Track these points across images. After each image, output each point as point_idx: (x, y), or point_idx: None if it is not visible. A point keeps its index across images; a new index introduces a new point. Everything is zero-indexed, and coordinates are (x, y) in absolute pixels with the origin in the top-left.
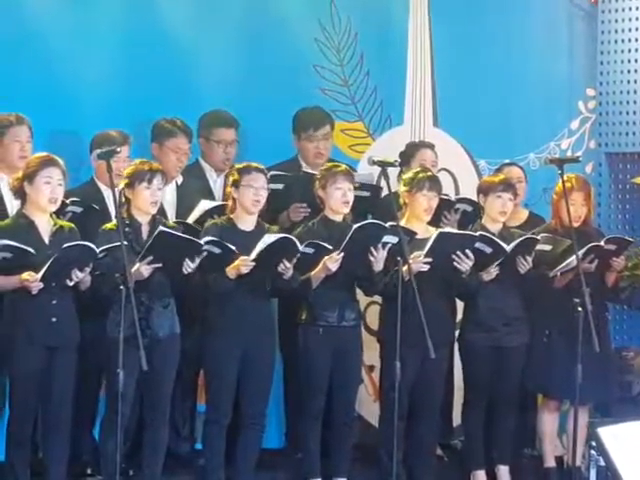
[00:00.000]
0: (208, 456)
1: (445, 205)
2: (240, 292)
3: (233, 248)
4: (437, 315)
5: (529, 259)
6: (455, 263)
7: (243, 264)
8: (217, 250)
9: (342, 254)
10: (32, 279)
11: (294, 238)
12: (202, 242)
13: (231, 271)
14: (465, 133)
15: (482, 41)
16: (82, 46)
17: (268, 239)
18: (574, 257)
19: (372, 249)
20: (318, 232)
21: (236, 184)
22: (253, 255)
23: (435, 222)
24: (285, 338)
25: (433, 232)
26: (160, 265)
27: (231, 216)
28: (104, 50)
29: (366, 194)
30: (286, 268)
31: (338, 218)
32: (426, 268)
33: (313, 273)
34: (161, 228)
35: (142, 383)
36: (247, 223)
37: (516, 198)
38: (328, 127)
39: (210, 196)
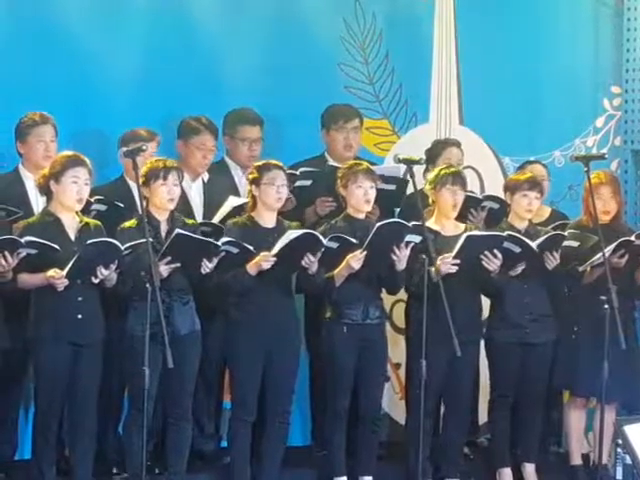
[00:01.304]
0: (233, 454)
1: (472, 202)
2: (264, 289)
3: (250, 248)
4: (464, 313)
5: (556, 255)
6: (483, 263)
7: (264, 259)
8: (235, 250)
9: (365, 252)
10: (58, 276)
11: (317, 233)
12: (219, 243)
13: (252, 267)
14: (490, 131)
15: (507, 39)
16: (109, 44)
17: (291, 234)
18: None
19: (395, 248)
20: (341, 230)
21: (256, 182)
22: (275, 250)
23: (462, 219)
24: (311, 335)
25: (462, 229)
26: (179, 265)
27: (252, 214)
28: (131, 48)
29: (392, 187)
30: (310, 262)
31: (360, 216)
32: (454, 270)
33: (337, 271)
34: (178, 230)
35: (164, 381)
36: (268, 220)
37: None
38: (357, 121)
39: (236, 193)
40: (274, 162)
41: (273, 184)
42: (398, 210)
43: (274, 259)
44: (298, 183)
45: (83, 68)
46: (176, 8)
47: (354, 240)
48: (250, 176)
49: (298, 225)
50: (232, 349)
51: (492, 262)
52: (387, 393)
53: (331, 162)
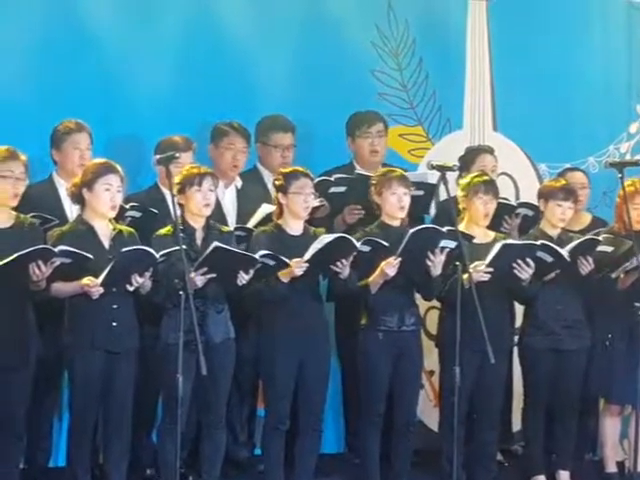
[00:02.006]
0: (267, 461)
1: (506, 210)
2: (295, 296)
3: (287, 261)
4: (496, 320)
5: (590, 260)
6: (516, 271)
7: (297, 265)
8: (272, 262)
9: (400, 259)
10: (92, 284)
11: (350, 237)
12: (257, 256)
13: (285, 274)
14: (525, 137)
15: (541, 44)
16: (142, 52)
17: (324, 239)
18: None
19: (429, 254)
20: (375, 237)
21: (283, 190)
22: (307, 256)
23: (495, 227)
24: (342, 342)
25: (491, 237)
26: (214, 275)
27: (279, 221)
28: (164, 56)
29: (420, 193)
30: (342, 266)
31: (395, 223)
32: (487, 278)
33: (372, 278)
34: (216, 244)
35: (198, 388)
36: (295, 228)
37: (578, 204)
38: (381, 125)
39: (268, 200)
40: (301, 169)
41: (301, 193)
42: (432, 216)
43: (307, 265)
44: (332, 190)
45: (116, 75)
46: (208, 15)
47: (386, 243)
48: (277, 182)
49: (324, 232)
50: (265, 357)
51: (524, 271)
52: (421, 400)
53: (359, 170)
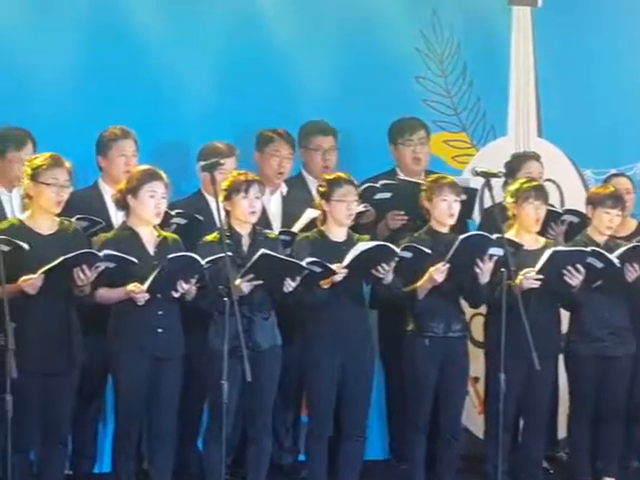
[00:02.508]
0: (310, 468)
1: (551, 216)
2: (338, 302)
3: (333, 267)
4: (544, 326)
5: (637, 267)
6: (566, 277)
7: (337, 271)
8: (318, 269)
9: (448, 265)
10: (138, 290)
11: (390, 245)
12: (303, 263)
13: (326, 281)
14: (570, 143)
15: (586, 49)
16: (185, 58)
17: (361, 246)
18: None
19: (478, 261)
20: (423, 243)
21: (326, 196)
22: (346, 261)
23: (541, 233)
24: (387, 348)
25: (542, 243)
26: (261, 282)
27: (322, 228)
28: (207, 62)
29: (462, 197)
30: (385, 271)
31: (444, 229)
32: (537, 285)
33: (419, 284)
34: (263, 250)
35: (244, 395)
36: (338, 234)
37: (625, 210)
38: (423, 132)
39: (313, 206)
40: (345, 176)
41: (344, 201)
42: (476, 223)
43: (346, 271)
44: (378, 196)
45: (160, 82)
46: (251, 22)
47: (428, 250)
48: (320, 189)
49: (368, 239)
50: (308, 363)
51: (575, 277)
52: (466, 407)
53: (401, 177)
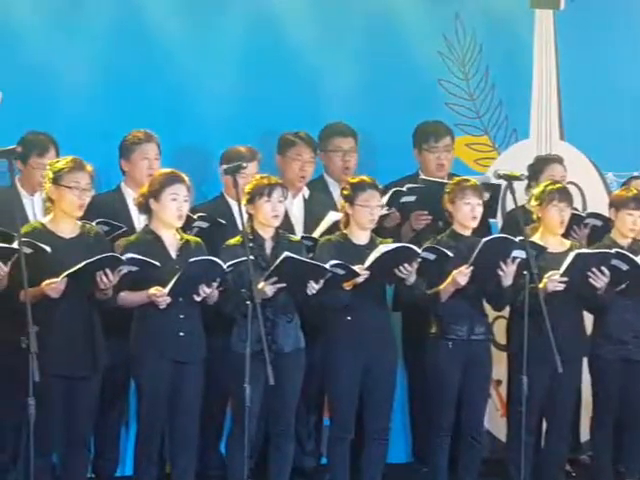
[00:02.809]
0: (333, 471)
1: (574, 220)
2: (360, 305)
3: (357, 270)
4: (567, 329)
5: None
6: (590, 280)
7: (359, 273)
8: (342, 272)
9: (471, 268)
10: (160, 294)
11: (412, 246)
12: (327, 266)
13: (348, 283)
14: (592, 146)
15: (608, 52)
16: (206, 62)
17: (383, 248)
18: None
19: (501, 263)
20: (446, 246)
21: (350, 200)
22: (367, 263)
23: (565, 237)
24: (410, 351)
25: (567, 245)
26: (284, 285)
27: (345, 231)
28: (229, 66)
29: (485, 195)
30: (407, 272)
31: (466, 232)
32: (561, 288)
33: (442, 287)
34: (287, 254)
35: (267, 398)
36: (361, 237)
37: None
38: (449, 139)
39: (335, 209)
40: (369, 180)
41: (367, 206)
42: (499, 223)
43: (368, 273)
44: (404, 199)
45: (182, 86)
46: (272, 25)
47: (450, 253)
48: (344, 192)
49: (392, 242)
50: (330, 366)
51: (600, 279)
52: (488, 410)
53: (424, 177)
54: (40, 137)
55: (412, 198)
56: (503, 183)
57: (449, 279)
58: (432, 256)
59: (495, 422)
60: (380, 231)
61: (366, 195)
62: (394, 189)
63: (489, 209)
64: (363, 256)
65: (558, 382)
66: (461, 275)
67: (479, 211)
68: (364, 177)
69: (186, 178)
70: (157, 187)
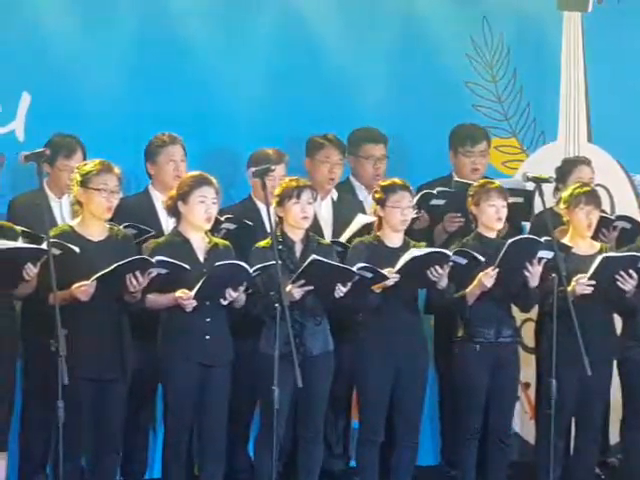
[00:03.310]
0: (362, 474)
1: (603, 222)
2: (391, 308)
3: (385, 273)
4: (597, 332)
5: None
6: (619, 283)
7: (388, 276)
8: (369, 275)
9: (497, 269)
10: (186, 296)
11: (444, 250)
12: (354, 269)
13: (378, 285)
14: (620, 148)
15: (636, 54)
16: (235, 64)
17: (414, 252)
18: None
19: (527, 264)
20: (472, 248)
21: (381, 202)
22: (397, 267)
23: (594, 239)
24: (441, 354)
25: (597, 248)
26: (312, 288)
27: (378, 233)
28: (258, 68)
29: (519, 200)
30: (439, 275)
31: (492, 234)
32: (589, 291)
33: (469, 289)
34: (314, 256)
35: (296, 401)
36: (394, 240)
37: None
38: (485, 144)
39: (363, 212)
40: (400, 182)
41: (398, 207)
42: (528, 226)
43: (397, 276)
44: (433, 202)
45: (209, 89)
46: (300, 28)
47: (481, 258)
48: (376, 195)
49: (424, 246)
50: (360, 369)
51: (627, 282)
52: (517, 413)
53: (457, 178)
54: (67, 139)
55: (441, 201)
56: (531, 185)
57: (475, 281)
58: (463, 260)
59: (524, 425)
60: (410, 233)
61: (397, 196)
62: (424, 191)
63: (523, 214)
64: (396, 259)
65: (587, 385)
66: (487, 277)
67: (504, 212)
68: (395, 179)
69: (215, 181)
70: (186, 189)
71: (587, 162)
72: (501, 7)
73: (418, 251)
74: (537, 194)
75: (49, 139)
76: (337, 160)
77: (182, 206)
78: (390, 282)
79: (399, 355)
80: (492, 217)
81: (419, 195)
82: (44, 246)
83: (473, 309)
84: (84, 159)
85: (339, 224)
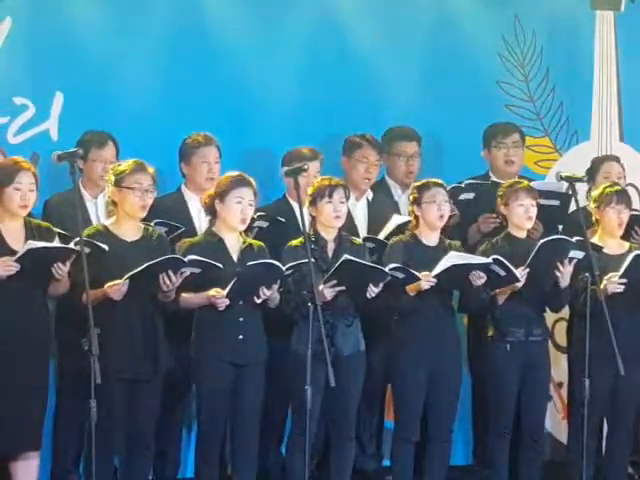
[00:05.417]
0: (396, 473)
1: (635, 221)
2: (425, 308)
3: (417, 274)
4: (630, 331)
5: None
6: None
7: (425, 280)
8: (401, 275)
9: (528, 269)
10: (219, 295)
11: (484, 261)
12: (386, 269)
13: (412, 288)
14: None
15: None
16: (270, 64)
17: (456, 259)
18: None
19: (559, 264)
20: (502, 249)
21: (417, 202)
22: (435, 272)
23: (625, 238)
24: (475, 354)
25: (626, 247)
26: (344, 288)
27: (415, 232)
28: (292, 67)
29: (555, 203)
30: (479, 277)
31: (522, 235)
32: (621, 289)
33: (499, 290)
34: (346, 256)
35: (328, 400)
36: (431, 238)
37: None
38: (517, 135)
39: (398, 212)
40: (433, 180)
41: (434, 202)
42: (561, 227)
43: (435, 280)
44: (462, 196)
45: (244, 88)
46: (335, 28)
47: (519, 274)
48: (411, 197)
49: (460, 247)
50: (395, 368)
51: None
52: (549, 412)
53: (494, 179)
54: (97, 133)
55: (471, 195)
56: (565, 185)
57: None
58: (502, 272)
59: (556, 424)
60: (442, 230)
61: (432, 192)
62: (452, 185)
63: (559, 216)
64: (432, 257)
65: (620, 384)
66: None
67: (533, 211)
68: (429, 179)
69: (253, 182)
70: (223, 189)
71: (615, 159)
72: (533, 6)
73: (459, 258)
74: (570, 193)
75: (79, 138)
76: (374, 160)
77: (218, 205)
78: (426, 286)
79: (433, 354)
80: (522, 216)
81: (448, 189)
82: (72, 245)
83: (503, 309)
84: (117, 151)
85: (374, 224)
